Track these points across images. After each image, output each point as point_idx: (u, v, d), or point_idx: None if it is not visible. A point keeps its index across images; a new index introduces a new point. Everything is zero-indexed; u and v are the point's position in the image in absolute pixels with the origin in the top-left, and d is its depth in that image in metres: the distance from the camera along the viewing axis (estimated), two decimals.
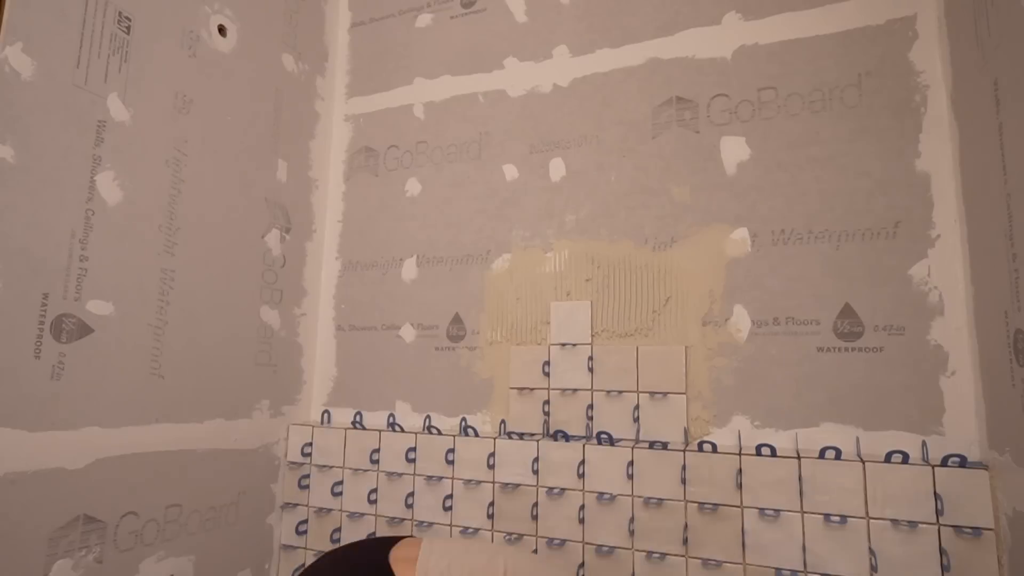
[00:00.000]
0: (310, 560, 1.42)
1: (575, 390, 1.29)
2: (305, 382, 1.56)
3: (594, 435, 1.24)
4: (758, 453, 1.09)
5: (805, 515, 1.04)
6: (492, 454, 1.29)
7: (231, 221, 1.36)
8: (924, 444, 1.03)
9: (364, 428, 1.43)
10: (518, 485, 1.25)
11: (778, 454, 1.08)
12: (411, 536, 0.85)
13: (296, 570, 1.43)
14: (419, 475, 1.35)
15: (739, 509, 1.08)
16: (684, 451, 1.14)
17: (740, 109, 1.24)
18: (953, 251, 1.06)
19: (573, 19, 1.43)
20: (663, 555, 1.12)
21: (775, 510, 1.06)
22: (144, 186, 1.16)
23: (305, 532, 1.44)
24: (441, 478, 1.32)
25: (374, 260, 1.57)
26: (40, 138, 1.00)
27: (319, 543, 1.42)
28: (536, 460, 1.25)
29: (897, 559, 0.98)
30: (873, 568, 0.99)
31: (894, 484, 0.99)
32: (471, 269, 1.45)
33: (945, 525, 0.96)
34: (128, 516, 1.11)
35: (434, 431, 1.37)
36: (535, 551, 1.22)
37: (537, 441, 1.26)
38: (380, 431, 1.41)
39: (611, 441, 1.20)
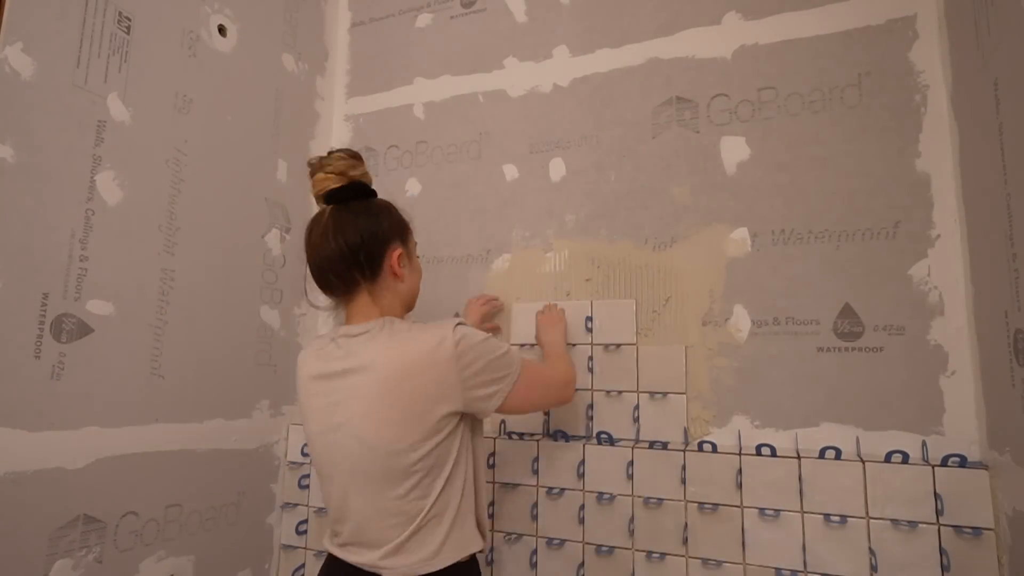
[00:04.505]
0: (310, 560, 1.43)
1: (575, 390, 1.28)
2: None
3: (594, 435, 1.24)
4: (758, 453, 1.09)
5: (805, 515, 1.04)
6: (492, 454, 1.29)
7: (231, 221, 1.36)
8: (924, 444, 1.03)
9: None
10: (518, 485, 1.25)
11: (778, 454, 1.08)
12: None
13: (296, 570, 1.43)
14: None
15: (739, 509, 1.08)
16: (684, 451, 1.14)
17: (740, 109, 1.24)
18: (953, 251, 1.06)
19: (573, 19, 1.43)
20: (663, 555, 1.12)
21: (775, 510, 1.06)
22: (144, 186, 1.16)
23: (305, 532, 1.44)
24: None
25: None
26: (40, 138, 1.00)
27: (319, 543, 1.42)
28: (536, 460, 1.25)
29: (897, 559, 0.98)
30: (873, 568, 0.99)
31: (894, 484, 0.99)
32: (471, 269, 1.45)
33: (945, 525, 0.96)
34: (128, 516, 1.11)
35: None
36: (534, 550, 1.22)
37: (537, 441, 1.26)
38: None
39: (611, 441, 1.20)
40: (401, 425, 0.85)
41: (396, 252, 0.95)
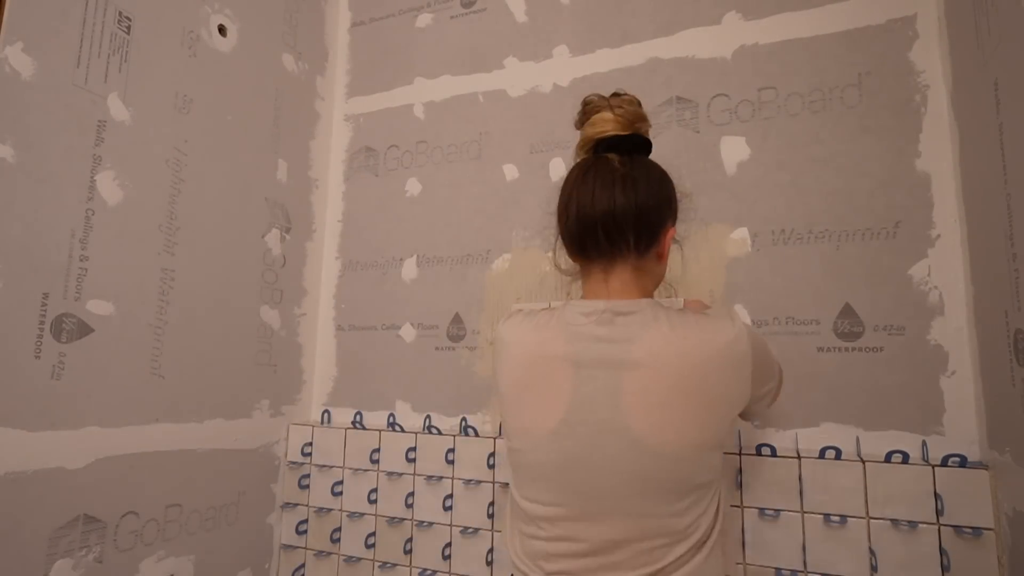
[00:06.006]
0: (310, 560, 1.43)
1: None
2: (305, 382, 1.56)
3: None
4: (758, 453, 1.09)
5: (805, 515, 1.04)
6: (492, 454, 1.29)
7: (231, 221, 1.36)
8: (924, 444, 1.03)
9: (364, 428, 1.43)
10: None
11: (778, 454, 1.08)
12: None
13: (296, 570, 1.43)
14: (419, 475, 1.35)
15: (739, 509, 1.08)
16: None
17: (740, 109, 1.24)
18: (953, 251, 1.06)
19: (573, 19, 1.43)
20: None
21: (775, 510, 1.06)
22: (144, 186, 1.16)
23: (305, 532, 1.44)
24: (441, 478, 1.32)
25: (374, 260, 1.57)
26: (40, 138, 1.00)
27: (319, 543, 1.42)
28: None
29: (897, 559, 0.98)
30: (873, 568, 0.99)
31: (894, 484, 0.99)
32: (471, 269, 1.45)
33: (945, 525, 0.96)
34: (128, 516, 1.11)
35: (434, 431, 1.37)
36: None
37: None
38: (380, 431, 1.41)
39: None
40: (696, 429, 0.73)
41: (671, 232, 0.81)
